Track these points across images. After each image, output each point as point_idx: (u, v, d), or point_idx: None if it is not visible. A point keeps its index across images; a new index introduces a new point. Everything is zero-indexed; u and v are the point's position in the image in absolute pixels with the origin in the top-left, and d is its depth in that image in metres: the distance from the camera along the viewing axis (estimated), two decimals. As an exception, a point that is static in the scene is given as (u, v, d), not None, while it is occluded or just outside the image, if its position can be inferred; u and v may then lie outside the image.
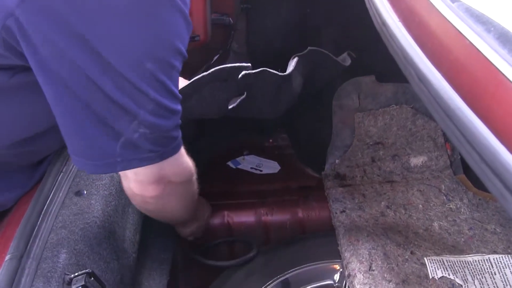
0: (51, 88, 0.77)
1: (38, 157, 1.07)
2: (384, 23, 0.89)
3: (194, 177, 1.09)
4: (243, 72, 1.06)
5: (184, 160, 0.99)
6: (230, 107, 1.15)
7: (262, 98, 1.18)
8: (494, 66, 0.54)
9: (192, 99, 1.09)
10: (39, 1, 0.69)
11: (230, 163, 1.75)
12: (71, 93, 0.76)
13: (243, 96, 1.13)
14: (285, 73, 1.13)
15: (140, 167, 0.88)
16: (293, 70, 1.14)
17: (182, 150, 0.96)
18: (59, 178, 1.07)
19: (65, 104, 0.78)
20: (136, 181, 0.97)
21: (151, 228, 1.37)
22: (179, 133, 0.90)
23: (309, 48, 1.20)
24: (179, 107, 0.86)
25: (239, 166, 1.71)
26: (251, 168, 1.72)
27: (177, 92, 0.85)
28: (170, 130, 0.86)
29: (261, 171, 1.71)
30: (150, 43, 0.76)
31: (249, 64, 1.08)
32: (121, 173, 0.96)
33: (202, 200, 1.42)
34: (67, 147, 0.85)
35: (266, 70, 1.08)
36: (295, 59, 1.16)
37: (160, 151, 0.88)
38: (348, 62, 1.33)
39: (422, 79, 0.68)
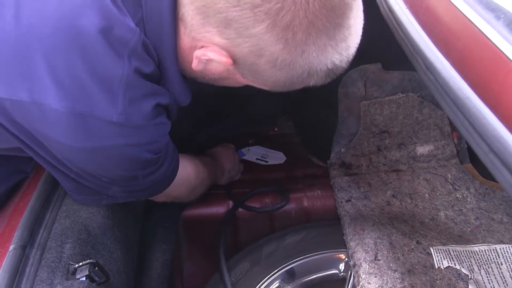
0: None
1: None
2: (390, 10, 0.88)
3: (197, 181, 1.20)
4: None
5: (178, 183, 1.03)
6: None
7: None
8: (504, 54, 0.53)
9: None
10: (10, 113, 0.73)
11: None
12: (54, 169, 0.85)
13: None
14: None
15: None
16: None
17: (175, 181, 1.00)
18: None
19: (52, 172, 0.88)
20: None
21: (153, 218, 1.37)
22: (167, 181, 0.97)
23: None
24: (157, 179, 0.90)
25: (244, 157, 1.70)
26: (257, 159, 1.71)
27: (150, 177, 0.88)
28: (150, 194, 0.99)
29: (266, 162, 1.70)
30: (96, 170, 0.82)
31: None
32: None
33: (212, 166, 1.39)
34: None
35: None
36: None
37: (147, 195, 1.00)
38: None
39: (430, 67, 0.67)
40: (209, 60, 0.78)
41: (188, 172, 1.15)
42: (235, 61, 0.76)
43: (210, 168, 1.33)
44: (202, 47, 0.76)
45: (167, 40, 0.78)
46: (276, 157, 1.73)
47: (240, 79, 0.84)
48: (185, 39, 0.78)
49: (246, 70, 0.79)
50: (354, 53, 0.79)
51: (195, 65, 0.80)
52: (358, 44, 0.78)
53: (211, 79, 0.87)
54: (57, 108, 0.69)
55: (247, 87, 0.88)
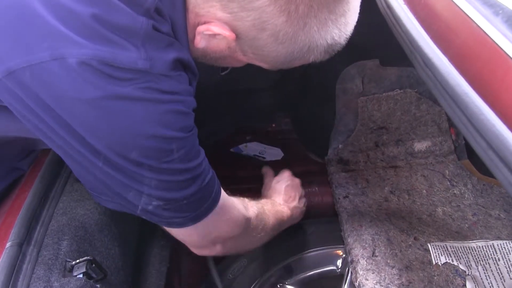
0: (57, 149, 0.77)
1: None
2: (388, 6, 0.87)
3: (252, 221, 1.00)
4: None
5: (227, 213, 0.91)
6: (222, 73, 1.18)
7: None
8: (503, 50, 0.53)
9: None
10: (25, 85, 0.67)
11: (233, 150, 1.74)
12: (76, 162, 0.76)
13: None
14: None
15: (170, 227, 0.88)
16: None
17: (221, 203, 0.88)
18: (59, 165, 1.06)
19: (74, 166, 0.80)
20: (188, 245, 0.96)
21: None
22: (208, 192, 0.83)
23: None
24: (194, 172, 0.79)
25: (242, 153, 1.70)
26: (254, 155, 1.71)
27: (186, 163, 0.77)
28: (188, 197, 0.79)
29: (264, 158, 1.70)
30: (123, 137, 0.71)
31: None
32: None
33: (282, 215, 1.20)
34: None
35: None
36: None
37: (188, 216, 0.83)
38: None
39: (428, 63, 0.67)
40: (212, 36, 0.78)
41: (236, 212, 0.95)
42: (237, 35, 0.76)
43: (263, 201, 1.17)
44: (205, 22, 0.77)
45: (178, 16, 0.76)
46: (274, 154, 1.73)
47: (240, 57, 0.84)
48: (189, 16, 0.78)
49: (247, 46, 0.79)
50: (352, 31, 0.81)
51: (197, 41, 0.79)
52: (355, 23, 0.81)
53: (212, 58, 0.86)
54: (78, 57, 0.65)
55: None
